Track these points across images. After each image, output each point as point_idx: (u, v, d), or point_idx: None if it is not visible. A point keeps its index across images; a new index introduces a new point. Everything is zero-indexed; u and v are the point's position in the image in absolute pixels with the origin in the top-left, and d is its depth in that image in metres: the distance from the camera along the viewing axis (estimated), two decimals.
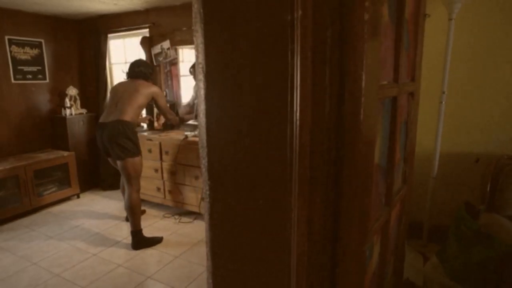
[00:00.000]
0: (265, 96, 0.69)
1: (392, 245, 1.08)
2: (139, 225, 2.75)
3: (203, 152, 0.82)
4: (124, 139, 2.62)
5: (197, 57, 0.79)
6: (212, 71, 0.75)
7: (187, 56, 3.95)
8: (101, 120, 2.76)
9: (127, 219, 3.24)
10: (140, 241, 2.73)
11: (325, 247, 0.72)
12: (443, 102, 2.14)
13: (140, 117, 3.09)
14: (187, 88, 3.89)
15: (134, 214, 2.70)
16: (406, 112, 1.02)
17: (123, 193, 3.13)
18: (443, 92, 2.12)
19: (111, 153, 2.74)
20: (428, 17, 1.52)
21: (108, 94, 3.00)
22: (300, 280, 0.74)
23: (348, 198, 0.67)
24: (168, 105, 3.20)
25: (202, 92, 0.78)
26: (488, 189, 2.02)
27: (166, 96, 3.85)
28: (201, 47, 0.76)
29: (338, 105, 0.66)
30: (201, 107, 0.79)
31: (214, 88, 0.76)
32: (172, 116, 3.12)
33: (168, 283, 2.27)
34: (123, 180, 3.05)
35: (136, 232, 2.73)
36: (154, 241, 2.79)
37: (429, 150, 2.23)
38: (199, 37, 0.77)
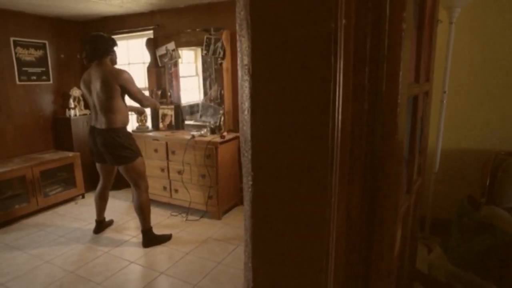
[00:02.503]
0: (310, 94, 0.78)
1: (409, 232, 1.17)
2: (149, 223, 2.79)
3: (246, 145, 0.90)
4: (120, 149, 2.57)
5: (242, 59, 0.87)
6: (258, 72, 0.83)
7: (186, 57, 4.02)
8: (92, 123, 2.69)
9: (95, 231, 3.06)
10: (150, 239, 2.78)
11: (362, 229, 0.81)
12: (444, 101, 2.25)
13: (129, 108, 2.82)
14: (186, 89, 3.96)
15: (143, 214, 2.73)
16: (422, 109, 1.12)
17: (98, 200, 3.02)
18: (444, 92, 2.23)
19: (106, 160, 2.70)
20: (440, 23, 1.63)
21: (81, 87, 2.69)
22: (339, 260, 0.83)
23: (385, 184, 0.75)
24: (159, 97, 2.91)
25: (247, 91, 0.86)
26: (488, 183, 2.14)
27: (170, 96, 3.92)
28: (247, 50, 0.84)
29: (375, 103, 0.75)
30: (246, 105, 0.87)
31: (260, 87, 0.84)
32: (149, 102, 2.78)
33: (181, 278, 2.34)
34: (101, 186, 2.99)
35: (147, 231, 2.78)
36: (164, 239, 2.84)
37: (431, 146, 2.34)
38: (245, 42, 0.85)
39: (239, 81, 0.90)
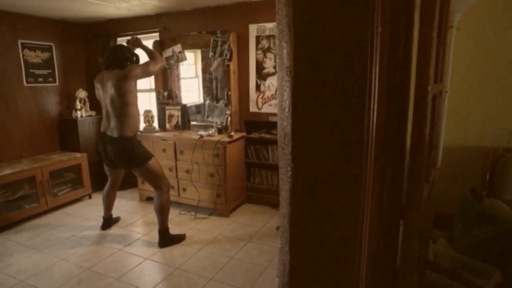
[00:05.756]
0: (347, 93, 0.88)
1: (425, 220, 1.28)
2: (167, 224, 2.84)
3: (286, 139, 1.00)
4: (130, 153, 2.64)
5: (283, 62, 0.97)
6: (299, 74, 0.93)
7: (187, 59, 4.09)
8: (102, 129, 2.77)
9: (102, 228, 3.17)
10: (166, 240, 2.83)
11: (391, 211, 0.91)
12: (446, 100, 2.38)
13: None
14: (187, 91, 4.05)
15: (162, 214, 2.78)
16: (436, 107, 1.23)
17: (105, 199, 3.12)
18: (446, 91, 2.36)
19: (118, 165, 2.82)
20: (451, 28, 1.77)
21: (96, 86, 2.79)
22: (372, 242, 0.92)
23: (413, 172, 0.86)
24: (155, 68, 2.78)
25: (288, 90, 0.95)
26: (488, 177, 2.27)
27: (176, 97, 3.99)
28: (289, 54, 0.94)
29: (405, 101, 0.85)
30: (287, 103, 0.97)
31: (300, 87, 0.93)
32: (158, 65, 2.77)
33: (196, 273, 2.42)
34: (109, 185, 3.08)
35: (164, 231, 2.82)
36: (179, 239, 2.89)
37: None
38: (287, 47, 0.94)
39: (278, 81, 1.00)
